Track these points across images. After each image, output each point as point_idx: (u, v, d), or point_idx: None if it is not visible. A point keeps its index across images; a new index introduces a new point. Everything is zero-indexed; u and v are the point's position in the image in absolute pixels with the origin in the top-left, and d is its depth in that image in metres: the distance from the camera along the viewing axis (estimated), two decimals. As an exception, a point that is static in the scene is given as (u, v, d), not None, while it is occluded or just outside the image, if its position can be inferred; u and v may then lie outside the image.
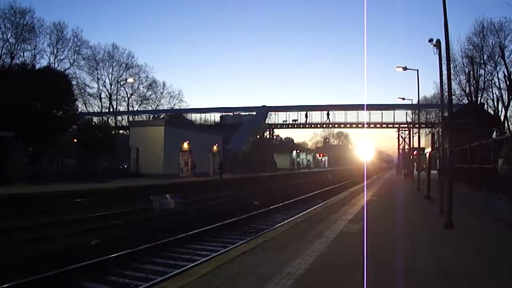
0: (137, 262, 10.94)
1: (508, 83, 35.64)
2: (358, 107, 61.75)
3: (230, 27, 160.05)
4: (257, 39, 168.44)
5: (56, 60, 53.22)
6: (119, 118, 67.61)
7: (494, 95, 38.72)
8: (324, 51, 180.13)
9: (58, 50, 53.55)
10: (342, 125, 65.64)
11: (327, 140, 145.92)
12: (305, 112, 64.06)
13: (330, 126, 66.52)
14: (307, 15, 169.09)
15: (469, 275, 6.85)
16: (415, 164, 45.19)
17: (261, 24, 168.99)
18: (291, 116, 66.08)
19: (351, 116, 62.09)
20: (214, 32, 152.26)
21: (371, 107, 61.22)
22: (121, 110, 67.05)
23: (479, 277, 6.76)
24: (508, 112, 36.41)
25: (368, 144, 49.63)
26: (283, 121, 66.52)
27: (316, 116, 63.79)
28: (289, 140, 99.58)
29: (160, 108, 70.57)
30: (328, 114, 62.16)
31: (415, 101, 42.86)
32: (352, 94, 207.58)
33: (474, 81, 38.01)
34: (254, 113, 66.58)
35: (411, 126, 56.49)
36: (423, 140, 46.70)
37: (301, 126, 67.08)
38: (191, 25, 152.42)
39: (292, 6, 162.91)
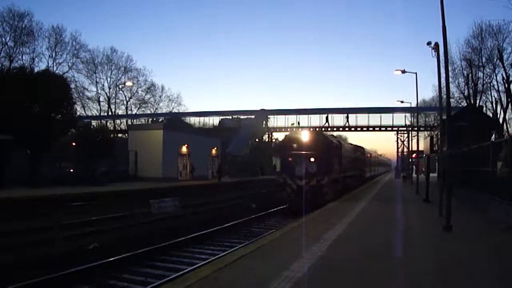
0: (136, 266, 10.91)
1: (506, 85, 35.78)
2: (358, 110, 61.90)
3: (229, 30, 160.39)
4: (256, 42, 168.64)
5: (54, 63, 53.25)
6: (117, 121, 67.69)
7: (493, 97, 38.96)
8: (324, 54, 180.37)
9: (57, 53, 53.58)
10: (345, 129, 65.06)
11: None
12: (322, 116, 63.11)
13: (347, 129, 64.46)
14: (307, 18, 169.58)
15: (468, 278, 6.84)
16: (414, 167, 45.22)
17: (261, 26, 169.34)
18: (290, 119, 65.93)
19: (351, 118, 62.07)
20: (214, 35, 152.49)
21: (370, 110, 61.24)
22: (119, 113, 67.13)
23: (479, 280, 6.75)
24: (507, 114, 36.53)
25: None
26: (291, 124, 65.91)
27: (314, 120, 63.68)
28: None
29: (159, 112, 70.61)
30: (347, 117, 61.38)
31: (414, 104, 42.91)
32: (352, 97, 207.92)
33: (472, 84, 38.15)
34: (253, 116, 66.54)
35: (410, 129, 56.58)
36: (422, 143, 46.78)
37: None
38: (190, 29, 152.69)
39: (291, 10, 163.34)
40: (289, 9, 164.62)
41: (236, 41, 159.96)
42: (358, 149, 39.03)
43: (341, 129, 64.98)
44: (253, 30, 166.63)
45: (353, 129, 62.68)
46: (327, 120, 62.56)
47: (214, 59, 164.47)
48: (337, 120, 62.91)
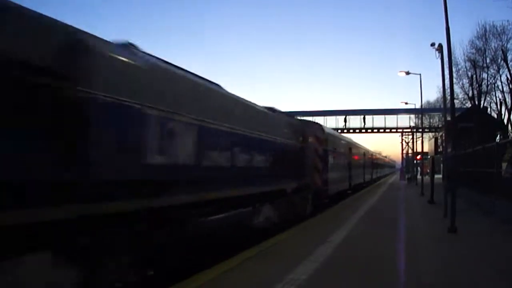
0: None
1: (511, 86, 35.61)
2: (362, 112, 61.72)
3: (239, 30, 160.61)
4: (261, 41, 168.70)
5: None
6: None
7: (497, 98, 38.77)
8: (327, 56, 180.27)
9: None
10: (349, 130, 64.36)
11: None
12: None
13: (351, 131, 63.02)
14: (309, 21, 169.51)
15: (473, 280, 6.81)
16: (419, 168, 45.14)
17: (264, 26, 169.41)
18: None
19: (355, 121, 61.93)
20: (222, 36, 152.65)
21: (374, 112, 61.11)
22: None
23: (484, 282, 6.72)
24: (512, 115, 36.35)
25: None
26: None
27: (318, 121, 63.25)
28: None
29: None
30: (364, 119, 60.74)
31: (418, 106, 42.85)
32: (357, 99, 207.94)
33: (477, 85, 38.01)
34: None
35: (415, 130, 56.42)
36: (427, 144, 46.68)
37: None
38: (200, 28, 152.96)
39: (291, 12, 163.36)
40: (289, 11, 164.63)
41: (243, 41, 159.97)
42: (303, 125, 16.69)
43: (345, 131, 64.61)
44: (257, 30, 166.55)
45: (357, 131, 62.43)
46: (345, 121, 61.59)
47: (224, 61, 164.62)
48: (342, 122, 62.63)
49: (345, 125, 61.49)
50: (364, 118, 60.86)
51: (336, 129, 60.99)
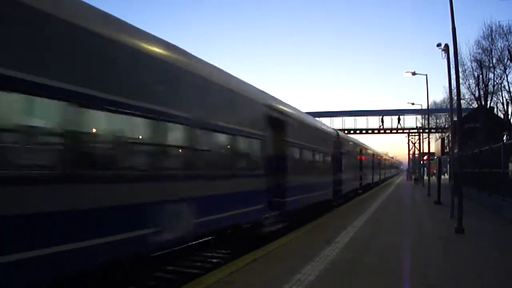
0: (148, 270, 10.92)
1: (517, 86, 35.44)
2: (369, 112, 61.50)
3: (242, 34, 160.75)
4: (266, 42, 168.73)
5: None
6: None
7: (504, 98, 38.50)
8: (329, 58, 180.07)
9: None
10: (359, 131, 63.71)
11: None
12: (380, 117, 60.96)
13: (358, 132, 61.81)
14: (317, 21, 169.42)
15: (480, 281, 6.81)
16: (425, 169, 44.98)
17: (264, 26, 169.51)
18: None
19: (361, 121, 61.67)
20: (229, 36, 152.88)
21: (380, 113, 60.86)
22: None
23: (490, 284, 6.72)
24: (518, 115, 36.18)
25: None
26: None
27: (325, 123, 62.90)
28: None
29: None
30: (398, 119, 60.00)
31: (424, 106, 42.69)
32: (361, 100, 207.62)
33: (483, 85, 37.78)
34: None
35: (421, 131, 56.13)
36: (433, 145, 46.46)
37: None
38: (202, 26, 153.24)
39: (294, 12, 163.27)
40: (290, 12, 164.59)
41: (247, 39, 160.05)
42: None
43: (352, 132, 64.25)
44: (255, 30, 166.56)
45: (364, 131, 62.22)
46: (382, 122, 60.78)
47: (230, 61, 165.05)
48: (349, 122, 62.48)
49: (382, 125, 60.56)
50: (398, 119, 60.05)
51: (343, 130, 61.09)
